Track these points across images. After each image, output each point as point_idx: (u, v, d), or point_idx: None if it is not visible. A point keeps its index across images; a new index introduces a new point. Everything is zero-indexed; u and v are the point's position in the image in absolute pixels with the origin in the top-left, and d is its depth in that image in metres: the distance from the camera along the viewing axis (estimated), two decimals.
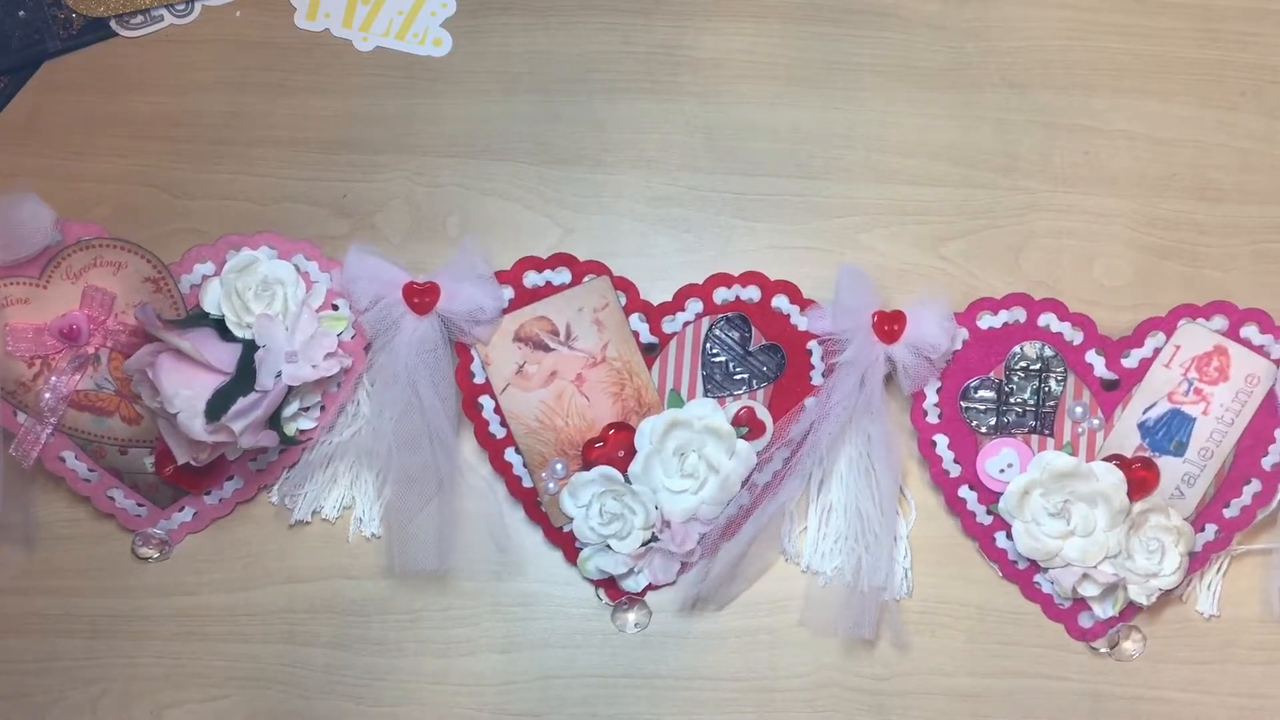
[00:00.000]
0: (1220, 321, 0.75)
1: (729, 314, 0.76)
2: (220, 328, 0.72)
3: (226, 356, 0.70)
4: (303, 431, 0.74)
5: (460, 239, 0.79)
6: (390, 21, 0.83)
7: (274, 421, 0.72)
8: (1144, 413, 0.74)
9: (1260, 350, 0.74)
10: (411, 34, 0.83)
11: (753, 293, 0.76)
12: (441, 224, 0.80)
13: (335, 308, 0.75)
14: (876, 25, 0.83)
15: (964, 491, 0.75)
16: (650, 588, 0.74)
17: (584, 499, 0.73)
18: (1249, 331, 0.75)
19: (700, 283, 0.76)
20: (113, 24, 0.82)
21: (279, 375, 0.71)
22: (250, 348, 0.71)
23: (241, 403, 0.69)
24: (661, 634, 0.74)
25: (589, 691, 0.74)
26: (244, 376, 0.70)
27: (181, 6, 0.83)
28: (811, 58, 0.83)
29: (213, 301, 0.73)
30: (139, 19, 0.83)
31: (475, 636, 0.74)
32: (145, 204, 0.79)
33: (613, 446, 0.73)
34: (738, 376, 0.75)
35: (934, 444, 0.75)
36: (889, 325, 0.73)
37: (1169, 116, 0.82)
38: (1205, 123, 0.82)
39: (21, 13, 0.82)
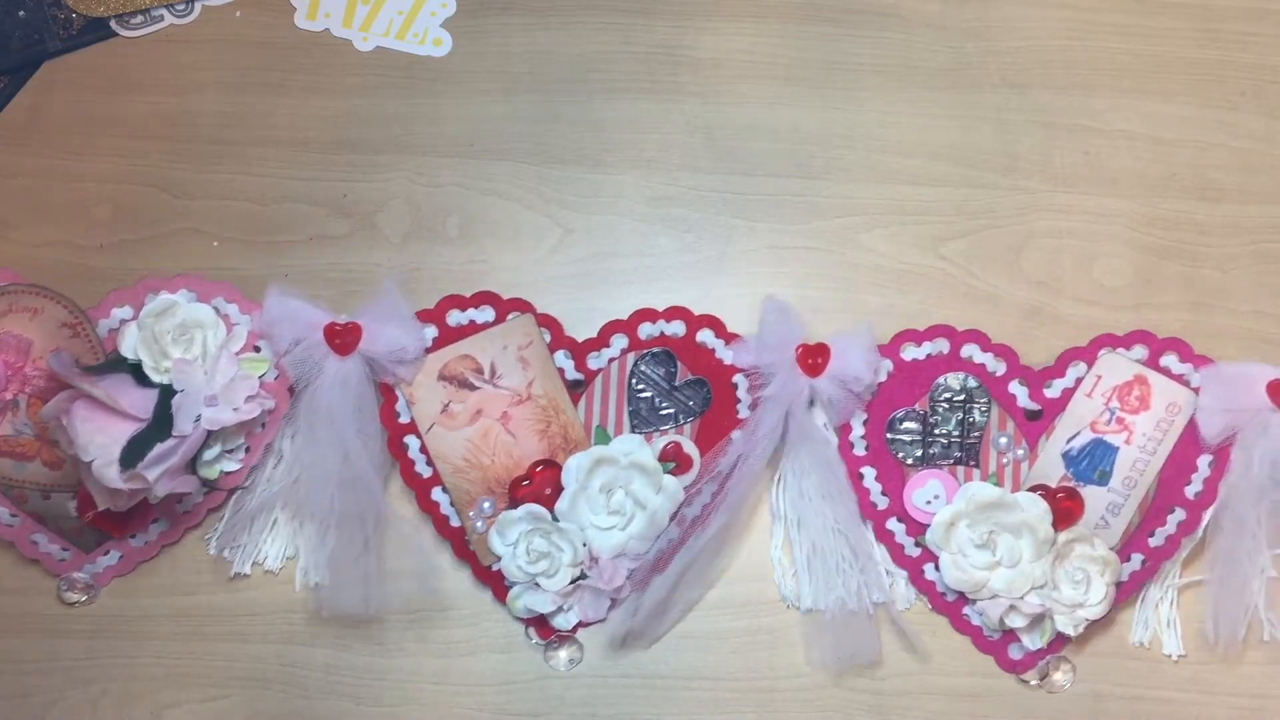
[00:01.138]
0: (1140, 351, 0.75)
1: (654, 349, 0.75)
2: (137, 373, 0.71)
3: (143, 402, 0.69)
4: (228, 474, 0.73)
5: (459, 239, 0.79)
6: (390, 21, 0.83)
7: (195, 465, 0.71)
8: (1067, 442, 0.74)
9: (1180, 379, 0.74)
10: (411, 34, 0.83)
11: (677, 327, 0.75)
12: (441, 224, 0.80)
13: (257, 349, 0.74)
14: (876, 25, 0.83)
15: (892, 524, 0.74)
16: (581, 625, 0.74)
17: (511, 537, 0.72)
18: (1169, 360, 0.75)
19: (625, 318, 0.75)
20: (113, 24, 0.83)
21: (198, 419, 0.70)
22: (167, 393, 0.70)
23: (158, 449, 0.68)
24: None
25: (589, 691, 0.74)
26: (161, 422, 0.69)
27: (181, 6, 0.83)
28: (811, 58, 0.83)
29: (130, 346, 0.72)
30: (139, 19, 0.83)
31: (475, 636, 0.74)
32: (145, 204, 0.79)
33: (539, 484, 0.73)
34: (664, 411, 0.75)
35: (861, 476, 0.74)
36: (812, 358, 0.73)
37: (1169, 116, 0.82)
38: (1205, 123, 0.82)
39: (21, 13, 0.82)
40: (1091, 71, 0.82)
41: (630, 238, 0.80)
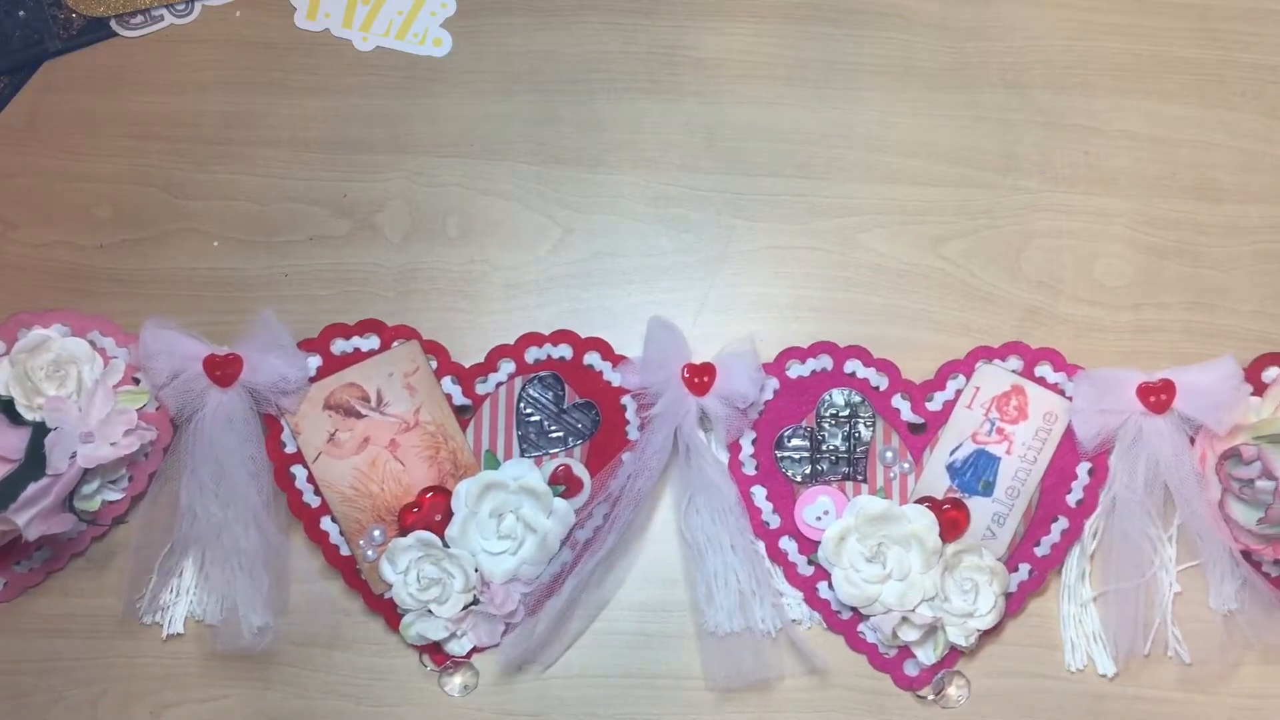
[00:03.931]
0: (1015, 362, 0.75)
1: (541, 373, 0.75)
2: (10, 411, 0.70)
3: (15, 442, 0.68)
4: (110, 503, 0.73)
5: (459, 239, 0.79)
6: (390, 21, 0.83)
7: (74, 499, 0.70)
8: (951, 454, 0.74)
9: (1055, 388, 0.75)
10: (411, 34, 0.83)
11: (564, 351, 0.75)
12: (441, 224, 0.80)
13: (136, 381, 0.73)
14: (876, 25, 0.83)
15: (784, 543, 0.74)
16: (476, 650, 0.73)
17: (402, 565, 0.72)
18: (1043, 370, 0.75)
19: (511, 343, 0.75)
20: (113, 24, 0.83)
21: (73, 457, 0.69)
22: (40, 431, 0.69)
23: (31, 489, 0.67)
24: (662, 634, 0.74)
25: (589, 691, 0.74)
26: (34, 462, 0.68)
27: (181, 6, 0.83)
28: (811, 58, 0.83)
29: (1, 383, 0.71)
30: (139, 19, 0.83)
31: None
32: (145, 204, 0.79)
33: (429, 511, 0.73)
34: (553, 435, 0.75)
35: (753, 495, 0.74)
36: (698, 377, 0.73)
37: (1169, 116, 0.82)
38: (1205, 123, 0.82)
39: (21, 13, 0.82)
40: (1091, 71, 0.82)
41: (630, 238, 0.80)
